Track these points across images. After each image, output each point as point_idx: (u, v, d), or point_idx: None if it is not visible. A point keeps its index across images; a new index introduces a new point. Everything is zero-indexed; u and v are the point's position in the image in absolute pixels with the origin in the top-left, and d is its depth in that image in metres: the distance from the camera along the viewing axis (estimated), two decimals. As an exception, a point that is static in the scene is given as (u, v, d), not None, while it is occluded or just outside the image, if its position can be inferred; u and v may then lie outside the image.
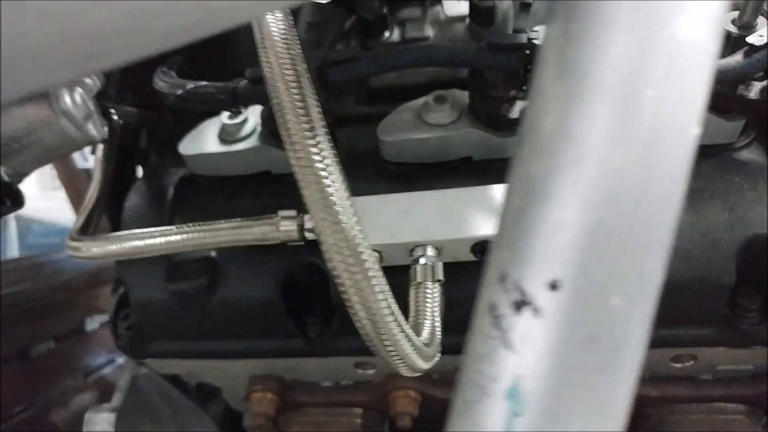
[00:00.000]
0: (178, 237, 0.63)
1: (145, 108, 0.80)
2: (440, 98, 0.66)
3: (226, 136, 0.69)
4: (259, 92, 0.62)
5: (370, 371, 0.76)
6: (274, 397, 0.76)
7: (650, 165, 0.27)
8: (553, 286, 0.26)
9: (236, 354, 0.72)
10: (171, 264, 0.68)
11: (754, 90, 0.60)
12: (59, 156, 0.69)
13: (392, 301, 0.43)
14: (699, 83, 0.27)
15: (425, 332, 0.53)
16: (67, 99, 0.64)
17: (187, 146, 0.70)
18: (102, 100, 0.72)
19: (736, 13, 0.60)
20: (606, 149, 0.27)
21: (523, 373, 0.25)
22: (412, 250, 0.60)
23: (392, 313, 0.43)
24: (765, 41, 0.55)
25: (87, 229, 0.71)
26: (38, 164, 0.68)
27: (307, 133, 0.40)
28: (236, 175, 0.72)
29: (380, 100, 0.76)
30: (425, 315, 0.55)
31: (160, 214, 0.70)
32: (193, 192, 0.72)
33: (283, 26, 0.43)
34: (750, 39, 0.56)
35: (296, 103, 0.40)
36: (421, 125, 0.66)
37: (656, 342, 0.63)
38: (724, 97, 0.61)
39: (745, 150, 0.66)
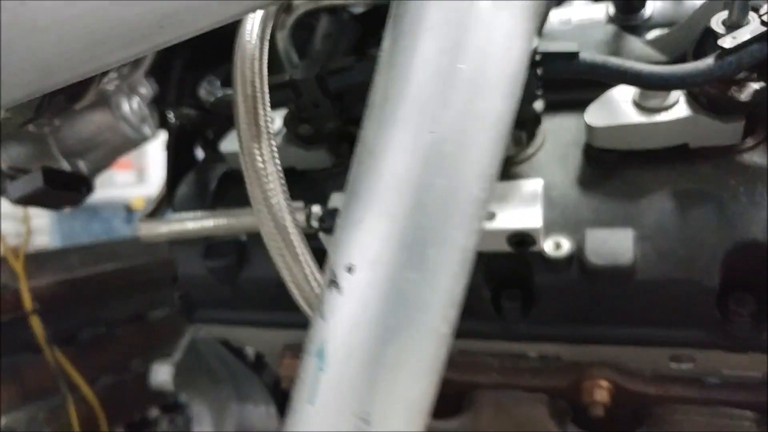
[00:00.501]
0: (210, 223, 0.75)
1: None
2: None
3: (256, 135, 0.79)
4: (277, 96, 0.70)
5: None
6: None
7: (444, 185, 0.32)
8: (349, 269, 0.32)
9: (265, 323, 0.83)
10: (209, 244, 0.80)
11: (746, 91, 0.59)
12: (123, 153, 0.83)
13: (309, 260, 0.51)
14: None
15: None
16: (126, 106, 0.78)
17: (226, 145, 0.81)
18: (162, 104, 0.85)
19: (725, 13, 0.59)
20: (399, 166, 0.33)
21: (327, 338, 0.32)
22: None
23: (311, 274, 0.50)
24: (737, 43, 0.54)
25: (155, 215, 0.85)
26: (108, 160, 0.83)
27: (254, 142, 0.49)
28: None
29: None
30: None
31: (203, 203, 0.82)
32: (232, 185, 0.84)
33: (256, 52, 0.52)
34: (721, 42, 0.55)
35: (249, 115, 0.49)
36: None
37: (650, 340, 0.65)
38: (716, 98, 0.61)
39: (749, 152, 0.64)
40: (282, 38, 0.72)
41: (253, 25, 0.54)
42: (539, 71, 0.61)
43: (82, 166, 0.80)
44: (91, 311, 1.44)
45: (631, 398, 0.74)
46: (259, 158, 0.48)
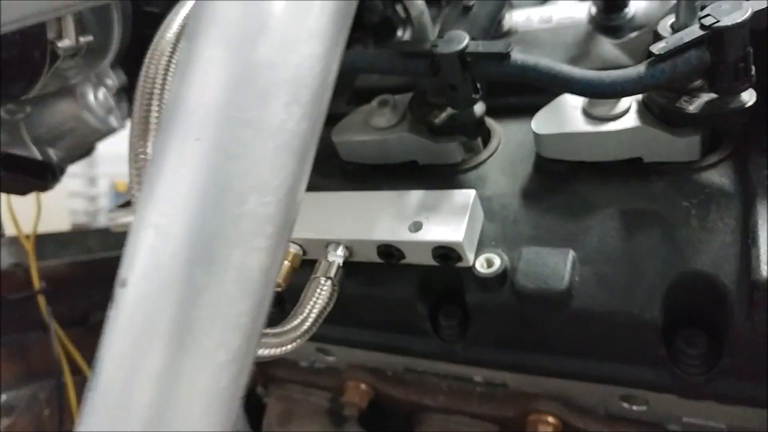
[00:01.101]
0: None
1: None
2: (383, 102, 0.68)
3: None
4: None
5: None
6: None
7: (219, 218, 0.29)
8: (123, 284, 0.30)
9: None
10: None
11: (696, 103, 0.52)
12: (92, 142, 0.85)
13: None
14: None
15: (296, 320, 0.57)
16: (91, 96, 0.79)
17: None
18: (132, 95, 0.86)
19: (673, 17, 0.52)
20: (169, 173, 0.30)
21: (102, 350, 0.30)
22: (327, 246, 0.64)
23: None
24: (668, 49, 0.47)
25: (127, 206, 0.86)
26: (78, 150, 0.85)
27: (140, 140, 0.47)
28: None
29: (364, 101, 0.79)
30: (305, 306, 0.58)
31: None
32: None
33: (168, 49, 0.51)
34: (653, 48, 0.48)
35: (141, 112, 0.47)
36: (366, 128, 0.69)
37: (594, 375, 0.59)
38: (665, 109, 0.54)
39: (707, 171, 0.56)
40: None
41: (175, 20, 0.53)
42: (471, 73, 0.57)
43: (52, 153, 0.82)
44: (106, 294, 1.49)
45: (580, 437, 0.67)
46: (142, 156, 0.47)
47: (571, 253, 0.57)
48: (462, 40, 0.56)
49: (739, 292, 0.50)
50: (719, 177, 0.55)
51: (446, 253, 0.58)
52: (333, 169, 0.75)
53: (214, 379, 0.30)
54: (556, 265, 0.56)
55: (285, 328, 0.55)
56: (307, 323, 0.57)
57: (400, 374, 0.77)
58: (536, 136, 0.61)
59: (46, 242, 1.37)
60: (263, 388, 0.91)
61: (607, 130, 0.57)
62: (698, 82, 0.53)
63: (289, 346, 0.55)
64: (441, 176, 0.68)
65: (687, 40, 0.47)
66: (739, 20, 0.45)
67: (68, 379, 1.31)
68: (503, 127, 0.71)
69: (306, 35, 0.29)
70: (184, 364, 0.29)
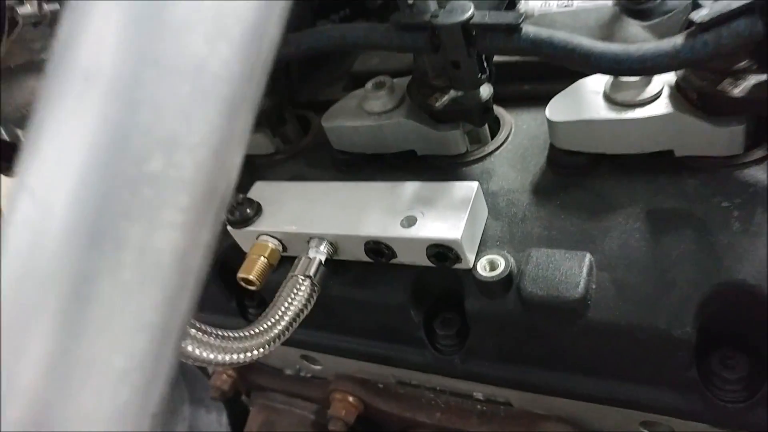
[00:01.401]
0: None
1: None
2: (379, 84, 0.61)
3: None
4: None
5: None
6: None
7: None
8: None
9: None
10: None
11: (742, 86, 0.44)
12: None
13: None
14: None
15: (267, 323, 0.50)
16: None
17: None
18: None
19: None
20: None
21: None
22: (308, 241, 0.57)
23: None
24: (712, 16, 0.39)
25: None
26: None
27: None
28: None
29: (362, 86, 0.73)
30: (278, 307, 0.51)
31: None
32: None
33: None
34: (693, 15, 0.41)
35: None
36: (360, 113, 0.62)
37: (608, 397, 0.51)
38: (705, 94, 0.46)
39: (754, 167, 0.48)
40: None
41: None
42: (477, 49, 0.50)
43: (21, 135, 0.77)
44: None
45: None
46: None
47: (588, 257, 0.49)
48: (466, 10, 0.49)
49: None
50: (767, 175, 0.47)
51: (443, 252, 0.51)
52: (323, 159, 0.68)
53: (110, 393, 0.23)
54: (570, 270, 0.49)
55: (251, 332, 0.48)
56: (279, 327, 0.50)
57: (392, 387, 0.70)
58: (551, 123, 0.53)
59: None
60: (246, 397, 0.84)
61: (632, 117, 0.49)
62: (745, 62, 0.45)
63: (256, 352, 0.48)
64: (442, 168, 0.61)
65: (736, 5, 0.39)
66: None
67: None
68: (514, 116, 0.63)
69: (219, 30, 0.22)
70: (68, 373, 0.22)
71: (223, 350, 0.45)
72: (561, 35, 0.46)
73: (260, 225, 0.59)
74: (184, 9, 0.21)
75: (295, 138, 0.73)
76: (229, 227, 0.60)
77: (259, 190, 0.63)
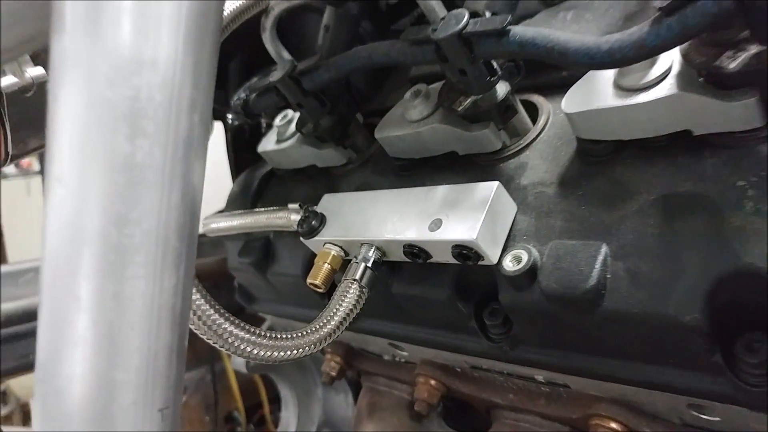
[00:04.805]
0: (235, 222, 0.81)
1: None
2: (416, 93, 0.65)
3: (279, 136, 0.82)
4: (263, 102, 0.71)
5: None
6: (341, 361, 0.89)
7: None
8: None
9: (300, 318, 0.86)
10: (246, 241, 0.86)
11: (738, 59, 0.42)
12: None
13: None
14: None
15: (318, 324, 0.58)
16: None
17: (263, 145, 0.86)
18: (223, 106, 0.94)
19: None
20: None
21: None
22: (360, 246, 0.64)
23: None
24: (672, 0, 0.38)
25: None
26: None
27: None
28: (299, 168, 0.84)
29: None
30: (330, 309, 0.59)
31: (246, 201, 0.88)
32: (272, 182, 0.88)
33: None
34: (654, 2, 0.39)
35: None
36: (402, 121, 0.67)
37: (640, 380, 0.54)
38: (708, 69, 0.44)
39: (771, 142, 0.45)
40: (267, 39, 0.71)
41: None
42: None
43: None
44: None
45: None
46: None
47: (604, 247, 0.50)
48: (460, 19, 0.52)
49: None
50: (786, 146, 0.44)
51: (464, 252, 0.55)
52: (386, 165, 0.75)
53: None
54: (585, 261, 0.50)
55: (303, 332, 0.56)
56: (329, 327, 0.58)
57: (468, 371, 0.75)
58: (567, 116, 0.54)
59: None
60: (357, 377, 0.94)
61: (637, 102, 0.48)
62: (746, 32, 0.42)
63: (308, 348, 0.57)
64: (481, 166, 0.64)
65: (691, -12, 0.38)
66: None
67: (227, 364, 1.48)
68: (553, 104, 0.64)
69: (143, 64, 0.30)
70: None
71: (277, 349, 0.54)
72: (544, 34, 0.47)
73: (324, 234, 0.67)
74: (108, 114, 0.30)
75: (365, 147, 0.80)
76: (301, 238, 0.69)
77: (326, 202, 0.71)
